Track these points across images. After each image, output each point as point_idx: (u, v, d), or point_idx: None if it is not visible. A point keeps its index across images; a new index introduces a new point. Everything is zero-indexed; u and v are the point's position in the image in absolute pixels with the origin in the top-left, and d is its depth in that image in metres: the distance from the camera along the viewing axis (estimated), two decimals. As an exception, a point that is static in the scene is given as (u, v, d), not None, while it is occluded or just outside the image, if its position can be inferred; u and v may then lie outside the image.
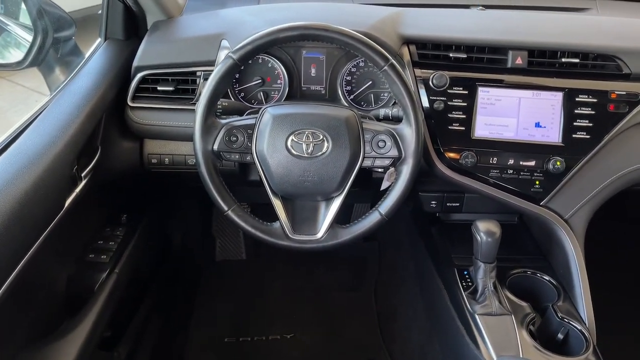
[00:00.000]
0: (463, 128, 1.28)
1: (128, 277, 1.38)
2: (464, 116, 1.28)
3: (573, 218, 1.31)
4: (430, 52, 1.30)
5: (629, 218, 1.97)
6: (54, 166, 1.05)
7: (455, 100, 1.27)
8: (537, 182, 1.29)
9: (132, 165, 1.39)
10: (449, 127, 1.28)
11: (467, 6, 1.56)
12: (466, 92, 1.27)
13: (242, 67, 1.31)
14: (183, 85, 1.32)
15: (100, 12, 1.41)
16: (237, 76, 1.33)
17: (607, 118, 1.27)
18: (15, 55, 1.40)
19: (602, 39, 1.33)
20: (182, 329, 1.91)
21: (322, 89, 1.35)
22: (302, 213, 1.18)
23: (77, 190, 1.14)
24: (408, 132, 1.13)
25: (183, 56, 1.31)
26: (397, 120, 1.19)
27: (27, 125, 1.14)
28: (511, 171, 1.29)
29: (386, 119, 1.30)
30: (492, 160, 1.28)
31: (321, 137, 1.11)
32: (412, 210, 1.81)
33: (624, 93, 1.27)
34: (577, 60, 1.29)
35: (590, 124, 1.27)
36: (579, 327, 1.20)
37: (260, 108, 1.16)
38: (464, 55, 1.29)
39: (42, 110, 1.18)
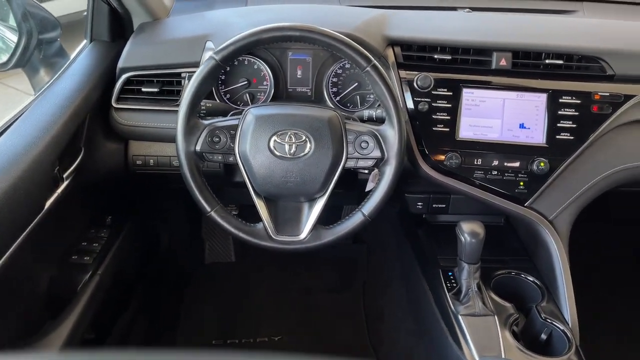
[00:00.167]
0: (447, 129, 1.28)
1: (112, 278, 1.37)
2: (448, 117, 1.28)
3: (557, 219, 1.31)
4: (415, 54, 1.30)
5: (613, 219, 1.97)
6: (34, 166, 1.04)
7: (440, 102, 1.27)
8: (522, 183, 1.29)
9: (117, 167, 1.38)
10: (434, 129, 1.28)
11: (454, 8, 1.57)
12: (451, 93, 1.27)
13: (228, 69, 1.31)
14: (168, 87, 1.31)
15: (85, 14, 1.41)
16: (222, 77, 1.33)
17: (590, 119, 1.28)
18: (0, 56, 1.40)
19: (586, 40, 1.33)
20: (169, 331, 1.90)
21: (308, 90, 1.35)
22: (285, 214, 1.18)
23: (59, 191, 1.13)
24: (390, 133, 1.13)
25: (168, 57, 1.30)
26: (381, 121, 1.19)
27: (7, 126, 1.13)
28: (495, 172, 1.29)
29: (370, 120, 1.30)
30: (477, 161, 1.28)
31: (304, 137, 1.11)
32: (399, 211, 1.81)
33: (608, 94, 1.28)
34: (561, 62, 1.29)
35: (574, 125, 1.27)
36: (562, 328, 1.20)
37: (244, 109, 1.16)
38: (449, 57, 1.29)
39: (24, 112, 1.17)
